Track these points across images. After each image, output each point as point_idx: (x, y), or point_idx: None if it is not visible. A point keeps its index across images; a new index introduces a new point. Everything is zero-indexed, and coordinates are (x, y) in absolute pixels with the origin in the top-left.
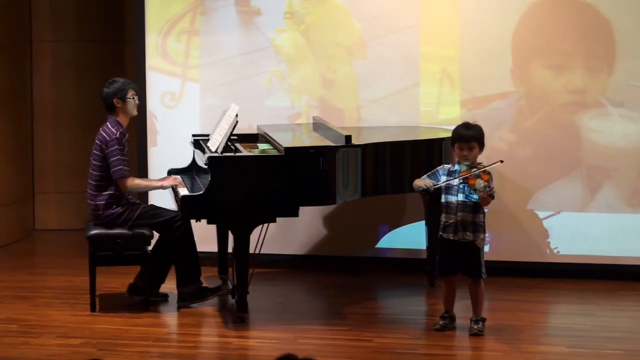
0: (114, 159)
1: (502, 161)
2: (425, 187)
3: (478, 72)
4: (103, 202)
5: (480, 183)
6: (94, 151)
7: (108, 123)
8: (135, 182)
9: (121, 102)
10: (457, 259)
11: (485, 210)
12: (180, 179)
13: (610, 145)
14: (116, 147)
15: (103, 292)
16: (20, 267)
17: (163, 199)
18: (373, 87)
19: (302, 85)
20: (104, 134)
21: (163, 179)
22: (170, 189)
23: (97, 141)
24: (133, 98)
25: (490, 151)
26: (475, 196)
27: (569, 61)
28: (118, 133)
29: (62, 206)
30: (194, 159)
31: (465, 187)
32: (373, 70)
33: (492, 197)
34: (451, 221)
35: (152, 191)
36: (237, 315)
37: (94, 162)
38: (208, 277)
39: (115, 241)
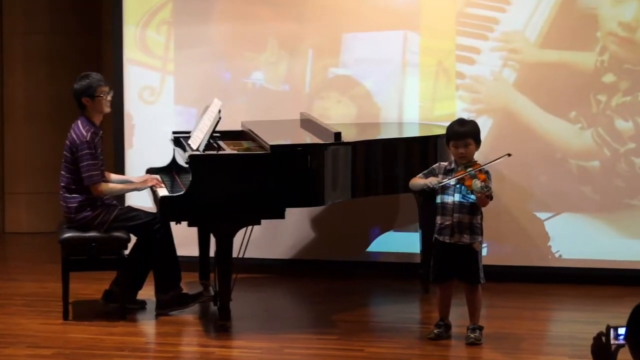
0: (83, 164)
1: (509, 154)
2: (430, 186)
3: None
4: (75, 204)
5: (476, 183)
6: (65, 152)
7: (79, 122)
8: (109, 186)
9: (90, 100)
10: (453, 263)
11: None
12: (160, 179)
13: (612, 145)
14: (86, 151)
15: (77, 299)
16: None
17: (141, 200)
18: (366, 81)
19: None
20: (74, 136)
21: (140, 179)
22: (149, 189)
23: (67, 142)
24: (103, 95)
25: (490, 151)
26: (472, 196)
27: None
28: (88, 135)
29: (34, 208)
30: (174, 157)
31: (462, 187)
32: (366, 64)
33: (490, 197)
34: (447, 223)
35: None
36: (219, 324)
37: (65, 164)
38: (188, 283)
39: (89, 245)
